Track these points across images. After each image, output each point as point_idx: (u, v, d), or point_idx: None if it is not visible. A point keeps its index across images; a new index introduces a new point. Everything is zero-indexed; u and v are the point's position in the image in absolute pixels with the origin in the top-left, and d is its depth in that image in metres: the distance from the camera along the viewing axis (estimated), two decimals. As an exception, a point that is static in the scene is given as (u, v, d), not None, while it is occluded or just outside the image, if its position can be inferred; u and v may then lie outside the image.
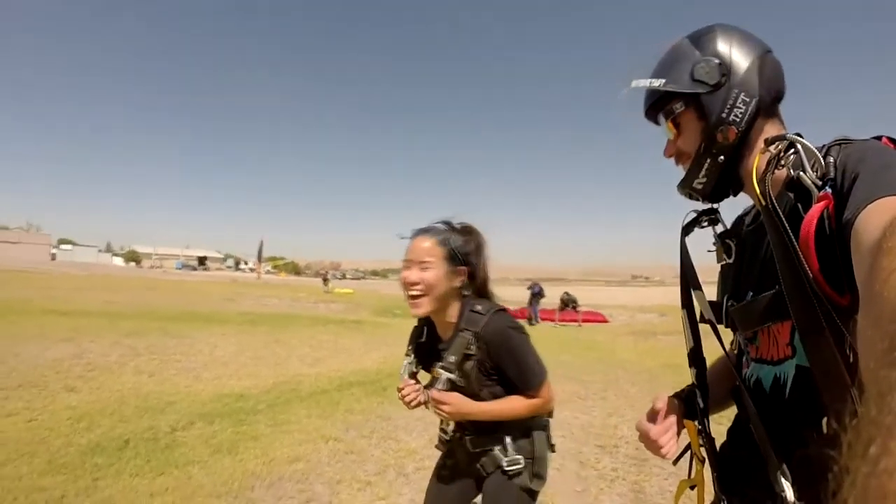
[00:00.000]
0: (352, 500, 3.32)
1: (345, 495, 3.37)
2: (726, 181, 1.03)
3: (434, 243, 1.64)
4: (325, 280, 36.99)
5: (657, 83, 1.02)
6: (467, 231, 1.75)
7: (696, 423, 1.12)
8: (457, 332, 1.65)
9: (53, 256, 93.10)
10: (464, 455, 1.78)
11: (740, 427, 1.05)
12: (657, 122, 1.11)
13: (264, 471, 3.64)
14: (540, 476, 1.72)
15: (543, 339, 13.06)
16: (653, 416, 1.12)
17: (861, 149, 0.82)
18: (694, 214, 1.16)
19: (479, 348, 1.60)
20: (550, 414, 1.81)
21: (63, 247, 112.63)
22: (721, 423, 1.14)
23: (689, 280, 1.15)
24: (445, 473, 1.88)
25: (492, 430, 1.70)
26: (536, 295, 18.88)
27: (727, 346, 1.13)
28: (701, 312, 1.13)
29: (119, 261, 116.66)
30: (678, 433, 1.12)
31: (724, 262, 1.13)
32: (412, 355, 1.82)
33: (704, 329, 1.13)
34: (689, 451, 1.17)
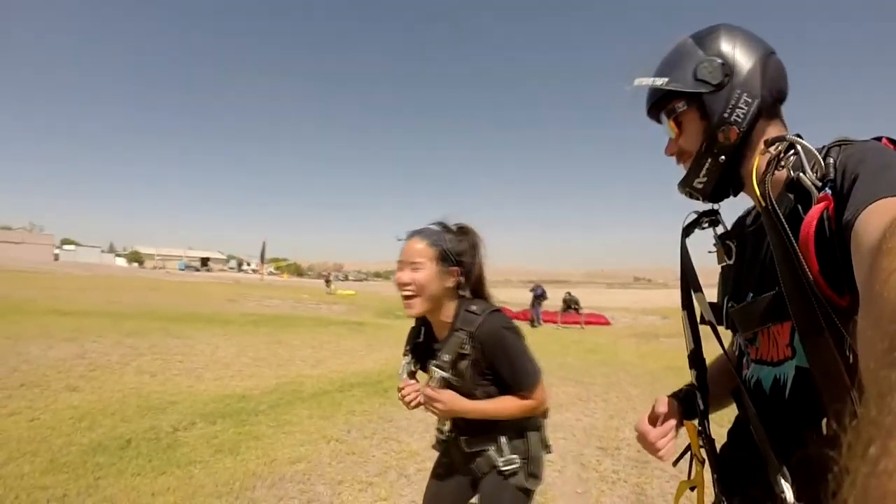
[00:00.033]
0: (353, 501, 3.32)
1: (346, 496, 3.36)
2: (727, 181, 1.03)
3: (425, 244, 1.66)
4: (328, 281, 37.02)
5: (660, 82, 1.03)
6: (461, 231, 1.76)
7: (696, 424, 1.12)
8: (452, 332, 1.66)
9: (56, 257, 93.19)
10: (459, 455, 1.79)
11: (741, 428, 1.05)
12: (659, 121, 1.11)
13: (266, 471, 3.64)
14: (535, 476, 1.72)
15: (546, 341, 13.06)
16: (653, 419, 1.13)
17: (861, 150, 0.82)
18: (694, 216, 1.17)
19: (473, 348, 1.61)
20: (545, 415, 1.81)
21: (66, 247, 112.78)
22: (722, 426, 1.14)
23: (689, 281, 1.15)
24: (442, 473, 1.89)
25: (486, 431, 1.70)
26: (539, 297, 18.87)
27: (726, 348, 1.13)
28: (701, 314, 1.13)
29: (122, 261, 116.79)
30: (676, 432, 1.13)
31: (724, 264, 1.13)
32: (410, 355, 1.83)
33: (705, 331, 1.13)
34: (689, 453, 1.17)
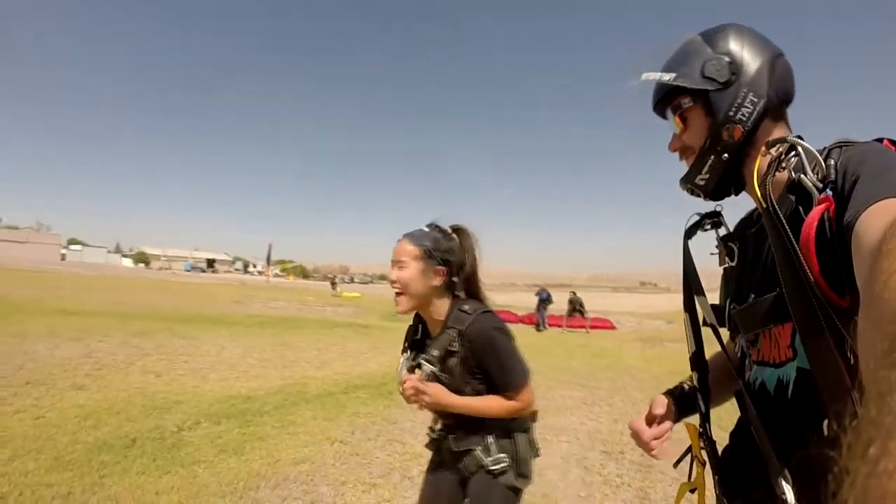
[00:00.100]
0: (356, 502, 3.32)
1: (349, 497, 3.37)
2: (728, 179, 1.04)
3: (411, 244, 1.72)
4: (334, 284, 37.10)
5: (667, 77, 1.03)
6: (450, 232, 1.80)
7: (697, 425, 1.13)
8: (444, 330, 1.71)
9: (63, 257, 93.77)
10: (449, 454, 1.81)
11: (742, 430, 1.05)
12: (664, 117, 1.12)
13: (269, 471, 3.64)
14: (524, 476, 1.74)
15: (551, 345, 13.05)
16: (650, 419, 1.14)
17: (862, 151, 0.83)
18: (697, 217, 1.17)
19: (462, 346, 1.66)
20: (534, 417, 1.83)
21: (72, 247, 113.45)
22: (724, 429, 1.14)
23: (691, 283, 1.16)
24: (435, 471, 1.91)
25: (474, 430, 1.73)
26: (544, 301, 18.86)
27: (728, 350, 1.13)
28: (703, 316, 1.14)
29: (128, 262, 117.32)
30: (671, 426, 1.14)
31: (726, 266, 1.14)
32: (409, 351, 1.87)
33: (707, 335, 1.13)
34: (689, 454, 1.17)
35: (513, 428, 1.73)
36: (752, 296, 0.99)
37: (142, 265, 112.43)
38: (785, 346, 0.91)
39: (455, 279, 1.75)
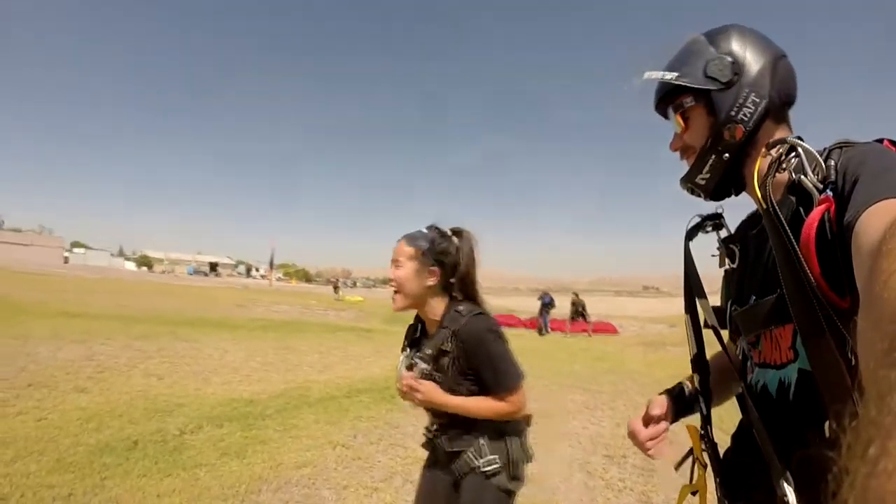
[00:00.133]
0: (357, 506, 3.31)
1: (351, 501, 3.37)
2: (729, 179, 1.04)
3: (408, 245, 1.77)
4: (336, 288, 37.09)
5: (670, 76, 1.04)
6: (446, 234, 1.83)
7: (699, 427, 1.13)
8: (438, 329, 1.75)
9: (66, 260, 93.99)
10: (443, 454, 1.82)
11: (744, 432, 1.05)
12: (666, 116, 1.12)
13: (271, 475, 3.64)
14: (517, 478, 1.74)
15: (554, 349, 13.04)
16: (647, 420, 1.14)
17: (862, 152, 0.83)
18: (698, 219, 1.18)
19: (455, 346, 1.68)
20: (528, 422, 1.84)
21: (75, 250, 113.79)
22: (726, 431, 1.14)
23: (692, 285, 1.16)
24: (432, 470, 1.92)
25: (466, 430, 1.73)
26: (547, 305, 18.88)
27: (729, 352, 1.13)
28: (705, 318, 1.14)
29: (131, 265, 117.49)
30: (668, 427, 1.15)
31: (727, 268, 1.14)
32: (408, 349, 1.89)
33: (709, 337, 1.13)
34: (691, 456, 1.17)
35: (506, 431, 1.74)
36: (754, 297, 0.99)
37: (144, 268, 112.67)
38: (786, 347, 0.91)
39: (452, 280, 1.78)
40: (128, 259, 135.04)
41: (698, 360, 1.14)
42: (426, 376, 1.73)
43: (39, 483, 3.12)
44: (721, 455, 1.10)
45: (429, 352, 1.74)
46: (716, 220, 1.15)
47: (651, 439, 1.13)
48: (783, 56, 1.00)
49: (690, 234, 1.17)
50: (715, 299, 1.15)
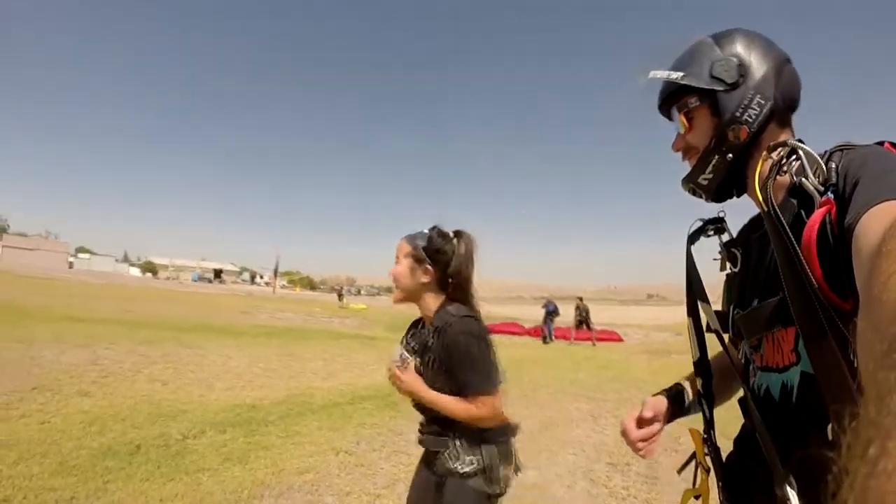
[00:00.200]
0: (359, 512, 3.30)
1: (353, 507, 3.35)
2: (731, 180, 1.05)
3: (406, 243, 1.85)
4: (340, 295, 37.19)
5: (675, 76, 1.04)
6: (446, 235, 1.86)
7: (702, 432, 1.13)
8: (430, 326, 1.81)
9: (71, 265, 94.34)
10: (426, 453, 1.86)
11: (747, 436, 1.05)
12: (669, 117, 1.13)
13: (274, 481, 3.63)
14: (496, 482, 1.73)
15: (558, 357, 13.01)
16: (640, 421, 1.15)
17: (863, 154, 0.83)
18: (700, 223, 1.18)
19: (438, 344, 1.72)
20: (513, 432, 1.84)
21: (80, 255, 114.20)
22: (728, 436, 1.13)
23: (695, 289, 1.16)
24: (421, 468, 1.93)
25: (443, 429, 1.75)
26: (551, 313, 18.83)
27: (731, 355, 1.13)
28: (707, 322, 1.14)
29: (135, 271, 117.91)
30: (661, 428, 1.16)
31: (728, 272, 1.14)
32: (405, 341, 1.95)
33: (712, 342, 1.14)
34: (694, 461, 1.17)
35: (484, 438, 1.73)
36: (756, 300, 0.99)
37: (149, 274, 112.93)
38: (788, 350, 0.91)
39: (450, 279, 1.81)
40: (132, 265, 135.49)
41: (701, 364, 1.14)
42: (416, 369, 1.79)
43: (42, 486, 3.13)
44: (724, 459, 1.10)
45: (413, 344, 1.85)
46: (718, 224, 1.15)
47: (643, 440, 1.13)
48: (787, 60, 1.01)
49: (692, 238, 1.18)
50: (716, 307, 1.15)
